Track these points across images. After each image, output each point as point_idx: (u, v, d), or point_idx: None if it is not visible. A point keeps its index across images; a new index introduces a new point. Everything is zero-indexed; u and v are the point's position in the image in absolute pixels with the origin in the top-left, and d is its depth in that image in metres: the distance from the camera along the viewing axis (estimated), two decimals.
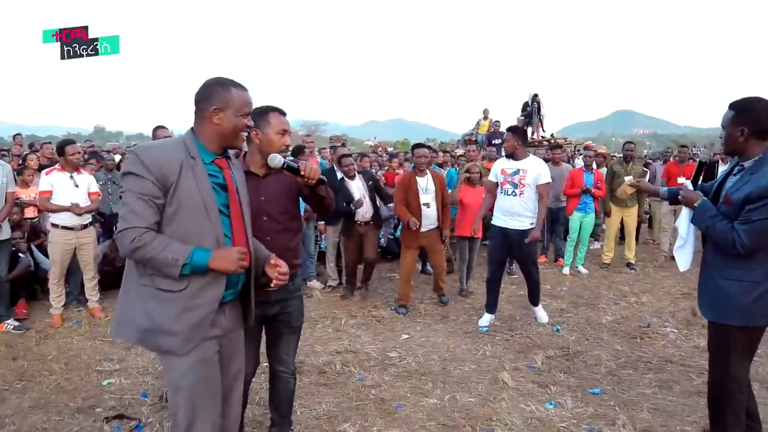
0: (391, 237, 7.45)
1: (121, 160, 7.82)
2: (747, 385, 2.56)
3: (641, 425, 3.03)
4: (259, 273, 2.05)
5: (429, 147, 6.18)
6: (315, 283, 6.13)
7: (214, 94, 1.87)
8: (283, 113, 2.41)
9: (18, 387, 3.56)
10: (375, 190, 5.70)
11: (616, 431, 2.98)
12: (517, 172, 4.62)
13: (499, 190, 4.72)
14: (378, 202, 5.83)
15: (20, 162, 7.24)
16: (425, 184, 5.18)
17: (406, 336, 4.58)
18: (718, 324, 2.49)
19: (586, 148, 10.76)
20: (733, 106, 2.43)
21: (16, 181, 5.00)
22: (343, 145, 8.87)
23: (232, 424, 2.07)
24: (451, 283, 6.25)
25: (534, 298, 4.94)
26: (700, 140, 39.18)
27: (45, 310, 5.04)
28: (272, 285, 2.01)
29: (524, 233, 4.56)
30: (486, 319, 4.82)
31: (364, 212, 5.46)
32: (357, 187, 5.47)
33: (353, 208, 5.32)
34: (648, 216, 8.94)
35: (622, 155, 7.51)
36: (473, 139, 14.18)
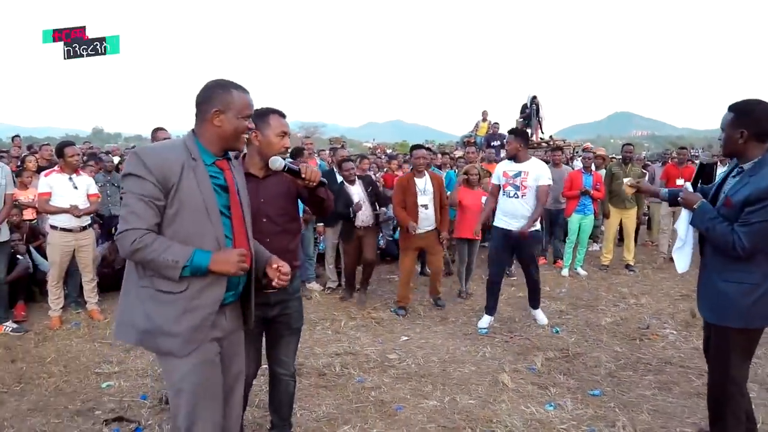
0: (390, 239, 7.45)
1: (120, 162, 7.81)
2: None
3: (641, 427, 3.03)
4: (260, 274, 2.05)
5: (428, 148, 6.18)
6: (314, 285, 6.12)
7: (215, 96, 1.87)
8: (282, 115, 2.42)
9: (17, 389, 3.55)
10: (374, 195, 5.69)
11: None
12: (518, 174, 4.63)
13: (501, 192, 4.73)
14: (377, 206, 5.81)
15: (19, 163, 7.23)
16: (423, 186, 5.18)
17: (406, 338, 4.57)
18: (718, 326, 2.50)
19: (584, 149, 10.78)
20: (732, 108, 2.43)
21: (14, 182, 5.00)
22: (343, 146, 8.87)
23: (233, 425, 2.06)
24: (450, 284, 6.26)
25: (534, 301, 4.94)
26: (698, 142, 39.27)
27: (43, 312, 5.02)
28: (274, 284, 2.00)
29: (527, 234, 4.58)
30: (485, 320, 4.82)
31: (364, 218, 5.45)
32: (357, 193, 5.47)
33: (353, 211, 5.32)
34: (647, 218, 8.96)
35: (620, 157, 7.53)
36: (472, 140, 14.19)
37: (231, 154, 2.04)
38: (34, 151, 8.78)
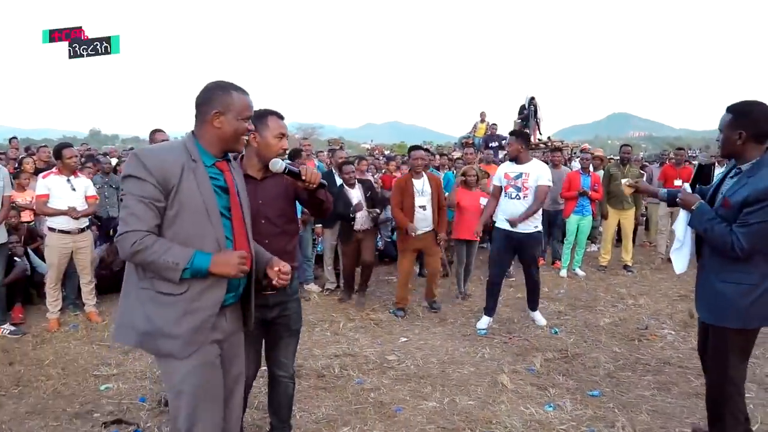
0: (389, 240, 7.45)
1: (117, 164, 7.79)
2: None
3: (640, 427, 3.03)
4: (260, 276, 2.04)
5: (426, 149, 6.18)
6: (313, 287, 6.12)
7: (215, 98, 1.87)
8: (281, 117, 2.42)
9: (15, 392, 3.53)
10: (371, 200, 5.68)
11: None
12: (520, 175, 4.64)
13: (503, 193, 4.74)
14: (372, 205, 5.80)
15: (16, 165, 7.20)
16: (421, 187, 5.18)
17: (405, 339, 4.57)
18: (716, 327, 2.50)
19: (582, 150, 10.80)
20: (730, 109, 2.44)
21: (12, 184, 4.98)
22: (341, 148, 8.88)
23: (233, 427, 2.06)
24: (448, 286, 6.26)
25: (533, 302, 4.94)
26: (695, 142, 39.37)
27: (41, 314, 5.01)
28: (274, 283, 2.00)
29: (529, 236, 4.61)
30: (484, 321, 4.82)
31: (363, 221, 5.45)
32: (356, 196, 5.46)
33: (352, 212, 5.32)
34: (644, 218, 8.98)
35: (618, 158, 7.54)
36: (470, 142, 14.20)
37: (230, 155, 2.04)
38: (32, 152, 8.76)
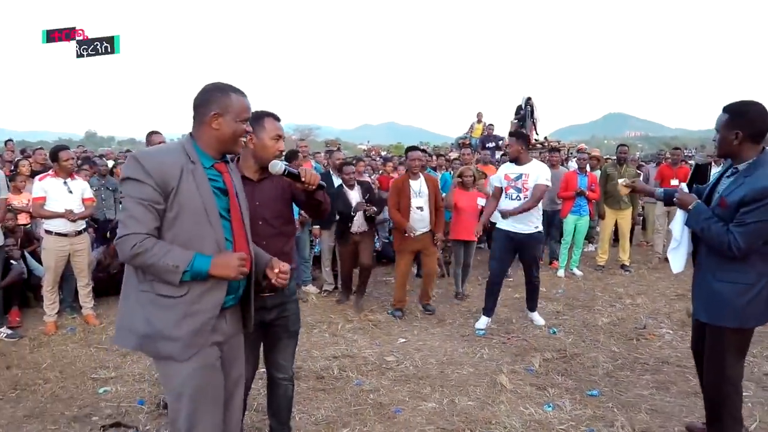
0: (387, 241, 7.45)
1: (114, 166, 7.77)
2: None
3: (640, 426, 3.04)
4: (259, 277, 2.04)
5: (423, 150, 6.18)
6: (311, 288, 6.11)
7: (213, 100, 1.86)
8: (277, 118, 2.43)
9: (12, 396, 3.52)
10: (370, 201, 5.67)
11: None
12: (520, 176, 4.65)
13: (503, 194, 4.75)
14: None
15: (12, 168, 7.18)
16: (418, 188, 5.17)
17: (403, 340, 4.57)
18: (712, 326, 2.51)
19: (579, 150, 10.82)
20: (727, 109, 2.45)
21: (8, 187, 4.96)
22: (339, 149, 8.87)
23: (233, 429, 2.05)
24: (446, 286, 6.26)
25: (532, 303, 4.95)
26: (691, 142, 39.51)
27: (38, 317, 4.98)
28: (274, 283, 2.00)
29: (530, 236, 4.62)
30: (483, 321, 4.82)
31: (359, 224, 5.44)
32: (355, 198, 5.44)
33: (354, 211, 5.30)
34: (641, 218, 9.00)
35: (615, 158, 7.56)
36: (467, 142, 14.20)
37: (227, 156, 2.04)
38: (28, 155, 8.72)
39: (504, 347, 4.37)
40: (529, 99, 14.31)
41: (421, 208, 5.14)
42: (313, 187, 2.25)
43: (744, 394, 2.71)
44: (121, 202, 1.77)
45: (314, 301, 5.75)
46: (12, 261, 5.06)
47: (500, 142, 12.74)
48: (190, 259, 1.73)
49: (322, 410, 3.26)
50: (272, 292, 2.38)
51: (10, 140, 11.30)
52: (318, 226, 6.05)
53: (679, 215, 2.71)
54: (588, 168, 7.12)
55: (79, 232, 4.87)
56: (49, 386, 3.63)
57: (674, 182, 7.00)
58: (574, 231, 6.87)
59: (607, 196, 7.05)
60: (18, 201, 5.77)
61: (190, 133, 1.92)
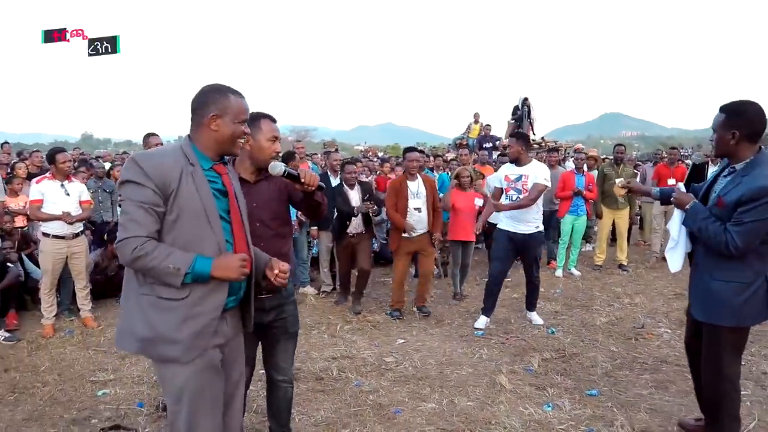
0: (384, 242, 7.45)
1: (111, 168, 7.75)
2: None
3: (639, 426, 3.05)
4: (259, 278, 2.04)
5: (420, 151, 6.19)
6: (309, 289, 6.11)
7: (211, 101, 1.86)
8: (273, 120, 2.43)
9: (11, 399, 3.50)
10: (370, 201, 5.65)
11: None
12: (520, 177, 4.67)
13: (504, 195, 4.76)
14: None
15: (9, 170, 7.16)
16: (416, 189, 5.17)
17: (402, 341, 4.57)
18: (709, 325, 2.52)
19: (576, 150, 10.84)
20: (724, 109, 2.46)
21: (5, 189, 4.95)
22: (336, 150, 8.88)
23: (234, 431, 2.05)
24: (444, 287, 6.26)
25: (531, 303, 4.96)
26: (688, 142, 39.63)
27: (36, 320, 4.97)
28: (275, 283, 2.00)
29: (530, 236, 4.64)
30: (482, 321, 4.83)
31: (356, 225, 5.43)
32: (355, 198, 5.42)
33: (355, 213, 5.29)
34: (639, 217, 9.03)
35: (612, 158, 7.58)
36: (464, 143, 14.22)
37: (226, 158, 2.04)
38: (24, 158, 8.69)
39: (503, 347, 4.37)
40: (526, 99, 14.34)
41: (418, 209, 5.14)
42: (313, 188, 2.26)
43: (742, 392, 2.72)
44: (120, 205, 1.77)
45: (312, 302, 5.75)
46: (9, 264, 5.05)
47: (497, 143, 12.77)
48: (192, 261, 1.73)
49: (321, 411, 3.26)
50: (271, 293, 2.38)
51: (7, 143, 11.25)
52: (316, 227, 6.05)
53: (677, 215, 2.72)
54: (585, 168, 7.13)
55: (77, 235, 4.85)
56: (47, 389, 3.62)
57: (671, 182, 7.02)
58: (572, 231, 6.88)
59: (604, 196, 7.06)
60: (15, 204, 5.76)
61: (189, 135, 1.91)
